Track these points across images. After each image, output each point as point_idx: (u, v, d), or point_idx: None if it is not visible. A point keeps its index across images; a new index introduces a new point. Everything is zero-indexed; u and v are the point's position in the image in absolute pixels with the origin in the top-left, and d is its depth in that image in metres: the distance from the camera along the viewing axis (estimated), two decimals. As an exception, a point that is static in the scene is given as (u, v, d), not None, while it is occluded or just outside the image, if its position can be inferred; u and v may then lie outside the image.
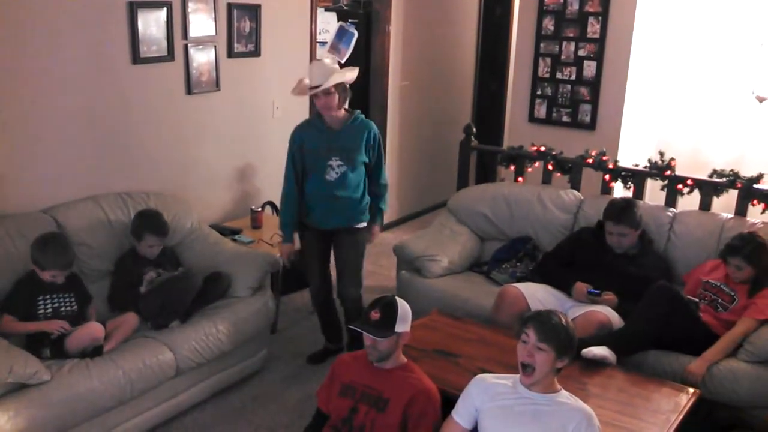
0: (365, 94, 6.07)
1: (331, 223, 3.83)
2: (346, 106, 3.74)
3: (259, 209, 4.73)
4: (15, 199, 3.58)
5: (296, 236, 3.92)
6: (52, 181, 3.73)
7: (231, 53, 4.58)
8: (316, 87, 3.55)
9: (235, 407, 3.68)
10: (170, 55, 4.18)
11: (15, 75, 3.50)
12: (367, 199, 3.83)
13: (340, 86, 3.60)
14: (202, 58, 4.38)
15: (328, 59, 3.66)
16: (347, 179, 3.71)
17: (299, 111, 5.16)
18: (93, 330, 3.22)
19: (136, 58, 3.99)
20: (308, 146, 3.73)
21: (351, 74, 3.68)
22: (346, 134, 3.70)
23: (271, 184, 5.01)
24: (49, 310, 3.25)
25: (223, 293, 3.76)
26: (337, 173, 3.69)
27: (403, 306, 2.67)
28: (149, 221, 3.70)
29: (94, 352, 3.17)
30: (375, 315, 2.61)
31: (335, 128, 3.70)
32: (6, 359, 2.83)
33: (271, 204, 5.01)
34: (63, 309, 3.29)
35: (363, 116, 3.78)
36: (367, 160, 3.76)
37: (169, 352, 3.33)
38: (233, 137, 4.74)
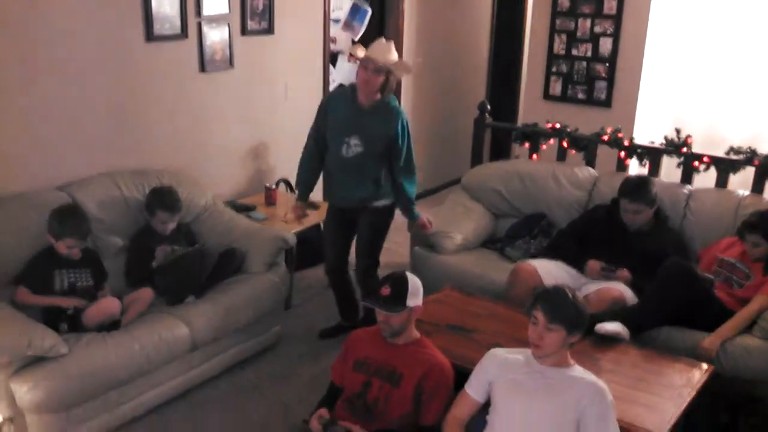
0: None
1: (345, 201, 3.81)
2: (384, 96, 3.63)
3: (273, 186, 4.74)
4: (31, 178, 3.61)
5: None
6: (67, 159, 3.75)
7: (244, 31, 4.57)
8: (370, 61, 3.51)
9: (250, 382, 3.72)
10: (184, 33, 4.17)
11: (29, 55, 3.50)
12: (385, 185, 3.75)
13: (391, 74, 3.56)
14: (215, 36, 4.37)
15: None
16: (362, 161, 3.65)
17: (312, 90, 5.16)
18: (110, 305, 3.27)
19: (150, 36, 3.99)
20: (332, 115, 3.70)
21: (403, 71, 3.72)
22: (372, 116, 3.61)
23: (285, 162, 5.02)
24: (66, 285, 3.29)
25: (237, 269, 3.79)
26: (353, 152, 3.64)
27: (414, 280, 2.67)
28: (161, 198, 3.73)
29: (112, 326, 3.21)
30: (385, 291, 2.61)
31: (364, 106, 3.62)
32: (25, 332, 2.88)
33: (286, 181, 5.02)
34: (79, 283, 3.32)
35: (397, 103, 3.70)
36: (389, 149, 3.66)
37: (185, 326, 3.37)
38: (247, 115, 4.74)
